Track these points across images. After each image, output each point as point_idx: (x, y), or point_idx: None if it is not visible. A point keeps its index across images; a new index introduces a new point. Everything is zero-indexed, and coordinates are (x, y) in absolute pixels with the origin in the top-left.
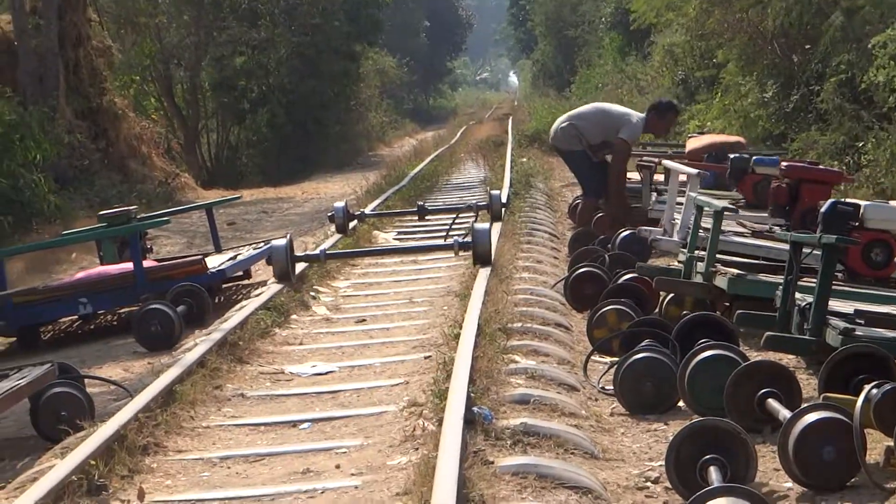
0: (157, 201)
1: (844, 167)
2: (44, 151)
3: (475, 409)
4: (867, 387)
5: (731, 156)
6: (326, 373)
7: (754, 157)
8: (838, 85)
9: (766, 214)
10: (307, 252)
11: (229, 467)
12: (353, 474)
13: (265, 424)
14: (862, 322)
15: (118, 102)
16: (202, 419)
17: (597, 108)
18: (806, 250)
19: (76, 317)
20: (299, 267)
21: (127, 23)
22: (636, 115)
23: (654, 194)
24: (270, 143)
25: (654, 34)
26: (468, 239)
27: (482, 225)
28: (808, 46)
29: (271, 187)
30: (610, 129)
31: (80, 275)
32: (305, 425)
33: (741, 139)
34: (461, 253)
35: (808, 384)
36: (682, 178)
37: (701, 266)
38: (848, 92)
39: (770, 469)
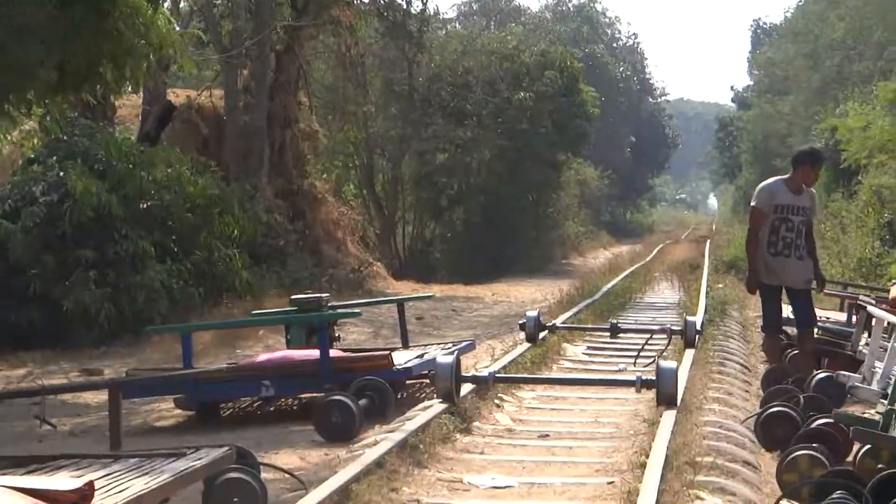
0: (347, 287)
1: None
2: (242, 228)
3: None
4: None
5: None
6: (505, 487)
7: None
8: None
9: None
10: (475, 373)
11: None
12: None
13: None
14: None
15: (318, 186)
16: None
17: None
18: None
19: (257, 398)
20: (466, 387)
21: (336, 109)
22: (767, 181)
23: (865, 334)
24: (464, 241)
25: (863, 174)
26: (652, 376)
27: (669, 363)
28: None
29: (461, 284)
30: None
31: (265, 357)
32: None
33: None
34: (643, 391)
35: None
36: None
37: None
38: None
39: None
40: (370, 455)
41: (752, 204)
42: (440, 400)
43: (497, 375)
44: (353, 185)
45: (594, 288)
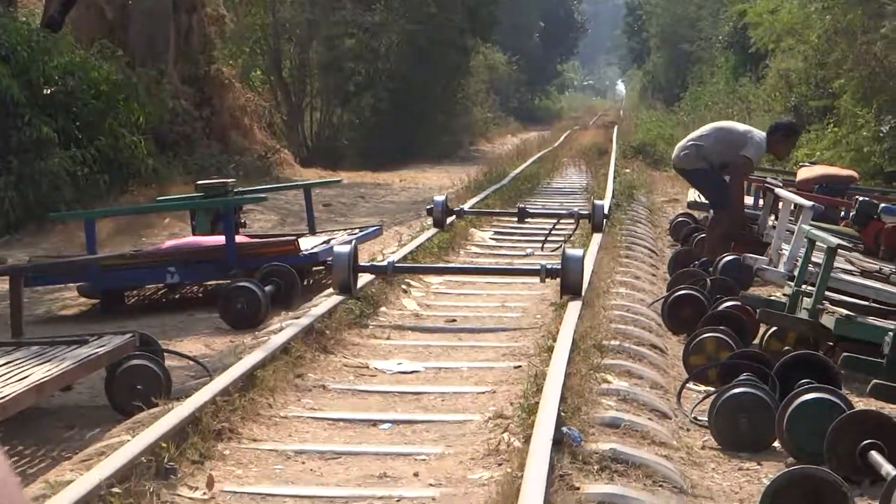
0: (254, 174)
1: None
2: (147, 115)
3: (564, 429)
4: None
5: (860, 198)
6: (411, 372)
7: (883, 206)
8: None
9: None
10: (374, 262)
11: (304, 462)
12: (431, 485)
13: (344, 420)
14: None
15: (226, 72)
16: (280, 408)
17: (718, 127)
18: None
19: (162, 285)
20: (365, 277)
21: None
22: (759, 134)
23: (773, 217)
24: (372, 128)
25: (771, 58)
26: (558, 264)
27: (574, 251)
28: None
29: (369, 171)
30: (732, 148)
31: (171, 243)
32: (386, 426)
33: (854, 173)
34: (548, 280)
35: None
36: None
37: (808, 302)
38: None
39: None
40: (276, 341)
41: (749, 157)
42: (337, 292)
43: (396, 265)
44: (260, 70)
45: (502, 173)
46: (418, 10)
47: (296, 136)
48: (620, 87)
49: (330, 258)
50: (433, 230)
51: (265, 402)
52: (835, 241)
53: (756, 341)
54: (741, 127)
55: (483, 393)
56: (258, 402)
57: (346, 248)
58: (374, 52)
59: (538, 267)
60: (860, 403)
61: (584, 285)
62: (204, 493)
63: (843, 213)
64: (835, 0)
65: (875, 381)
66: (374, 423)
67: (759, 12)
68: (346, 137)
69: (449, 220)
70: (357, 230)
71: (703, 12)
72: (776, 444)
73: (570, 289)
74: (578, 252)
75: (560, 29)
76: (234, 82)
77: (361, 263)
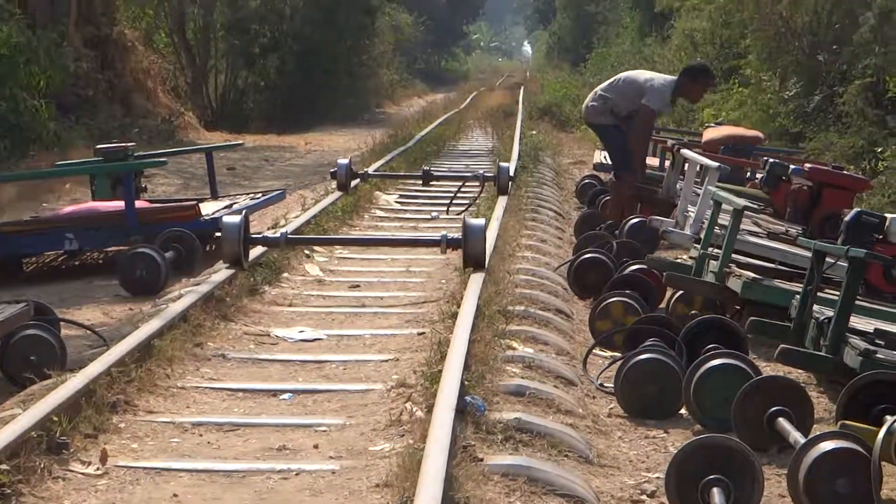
0: (158, 138)
1: (860, 172)
2: (48, 78)
3: (468, 398)
4: (889, 419)
5: (771, 160)
6: (313, 340)
7: (792, 168)
8: (863, 88)
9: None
10: (266, 234)
11: (201, 435)
12: (331, 457)
13: (244, 391)
14: (882, 343)
15: (128, 34)
16: (178, 378)
17: (621, 78)
18: (829, 260)
19: (62, 252)
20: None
21: None
22: (660, 80)
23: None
24: (278, 90)
25: (676, 18)
26: (460, 235)
27: (476, 221)
28: (835, 47)
29: (275, 134)
30: (637, 98)
31: (70, 209)
32: (286, 396)
33: (760, 134)
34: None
35: (818, 402)
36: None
37: (714, 265)
38: (872, 96)
39: (775, 494)
40: (174, 309)
41: (653, 108)
42: (227, 265)
43: (290, 236)
44: (163, 33)
45: (407, 136)
46: None
47: (200, 100)
48: (527, 48)
49: None
50: (337, 194)
51: (162, 373)
52: (741, 202)
53: (663, 305)
54: (644, 76)
55: (386, 361)
56: (155, 372)
57: (236, 220)
58: (279, 13)
59: (438, 237)
60: (767, 368)
61: (487, 255)
62: (97, 468)
63: (749, 175)
64: None
65: (782, 345)
66: (275, 393)
67: None
68: (251, 100)
69: (353, 183)
70: (260, 195)
71: None
72: (683, 411)
73: (473, 259)
74: (480, 222)
75: None
76: (136, 45)
77: (253, 235)
